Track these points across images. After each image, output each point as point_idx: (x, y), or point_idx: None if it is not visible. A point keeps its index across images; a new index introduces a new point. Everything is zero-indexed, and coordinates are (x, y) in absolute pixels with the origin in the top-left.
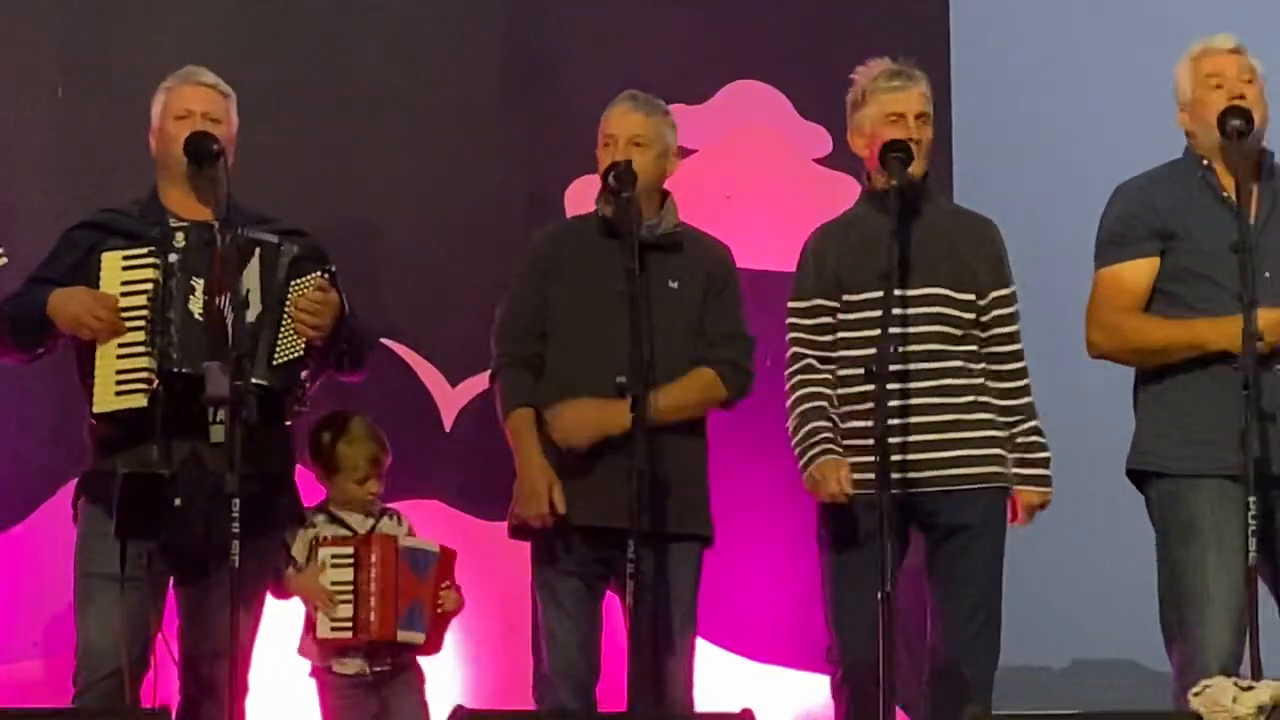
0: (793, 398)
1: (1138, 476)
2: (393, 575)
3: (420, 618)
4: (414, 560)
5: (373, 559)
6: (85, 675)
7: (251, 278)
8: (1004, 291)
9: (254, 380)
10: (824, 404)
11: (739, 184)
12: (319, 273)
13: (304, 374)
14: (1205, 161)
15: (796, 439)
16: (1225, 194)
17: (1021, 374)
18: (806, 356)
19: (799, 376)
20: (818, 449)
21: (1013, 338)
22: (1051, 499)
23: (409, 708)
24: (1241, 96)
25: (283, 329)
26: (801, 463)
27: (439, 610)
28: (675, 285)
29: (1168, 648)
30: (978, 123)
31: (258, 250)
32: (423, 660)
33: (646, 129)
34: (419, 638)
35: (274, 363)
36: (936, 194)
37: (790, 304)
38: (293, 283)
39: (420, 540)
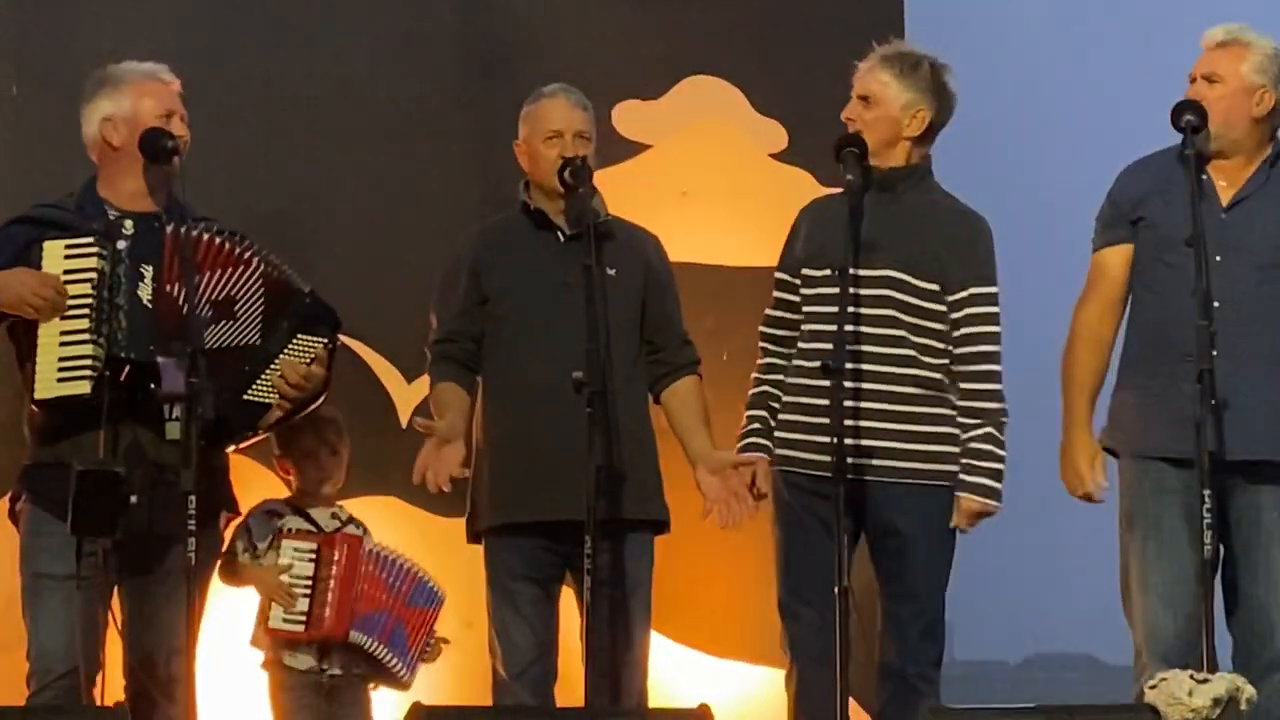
0: (752, 377)
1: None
2: (353, 576)
3: (404, 648)
4: (391, 572)
5: (335, 557)
6: (39, 677)
7: (247, 292)
8: (982, 290)
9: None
10: (768, 388)
11: (694, 180)
12: (325, 340)
13: (261, 419)
14: (1187, 151)
15: (743, 421)
16: (1204, 178)
17: (988, 377)
18: (767, 334)
19: (759, 361)
20: (748, 440)
21: (985, 338)
22: (996, 510)
23: (352, 717)
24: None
25: (265, 373)
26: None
27: (427, 651)
28: (613, 272)
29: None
30: None
31: (260, 269)
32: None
33: (588, 124)
34: (396, 664)
35: (242, 398)
36: (928, 181)
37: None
38: (299, 335)
39: (420, 569)
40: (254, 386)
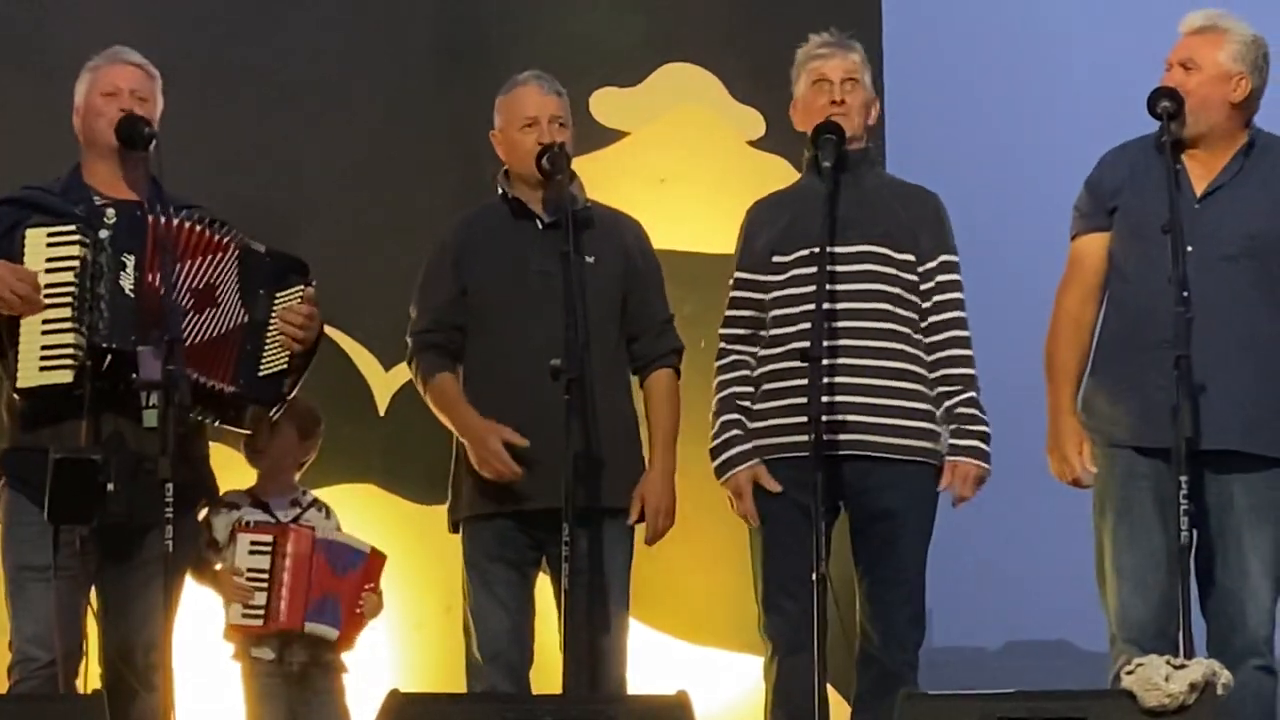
0: (715, 381)
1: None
2: (306, 567)
3: (334, 612)
4: (333, 554)
5: (288, 549)
6: (22, 666)
7: (224, 275)
8: (948, 258)
9: (230, 389)
10: (739, 388)
11: (673, 167)
12: (302, 286)
13: (285, 385)
14: (1164, 139)
15: (714, 427)
16: (1179, 167)
17: (963, 343)
18: (729, 334)
19: (719, 361)
20: (731, 451)
21: (957, 305)
22: (989, 474)
23: (325, 704)
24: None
25: (268, 340)
26: (715, 461)
27: (358, 611)
28: (591, 260)
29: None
30: (911, 105)
31: (236, 253)
32: (358, 645)
33: (563, 109)
34: (330, 633)
35: (260, 374)
36: (877, 164)
37: (731, 278)
38: (277, 294)
39: (349, 537)
40: (264, 360)
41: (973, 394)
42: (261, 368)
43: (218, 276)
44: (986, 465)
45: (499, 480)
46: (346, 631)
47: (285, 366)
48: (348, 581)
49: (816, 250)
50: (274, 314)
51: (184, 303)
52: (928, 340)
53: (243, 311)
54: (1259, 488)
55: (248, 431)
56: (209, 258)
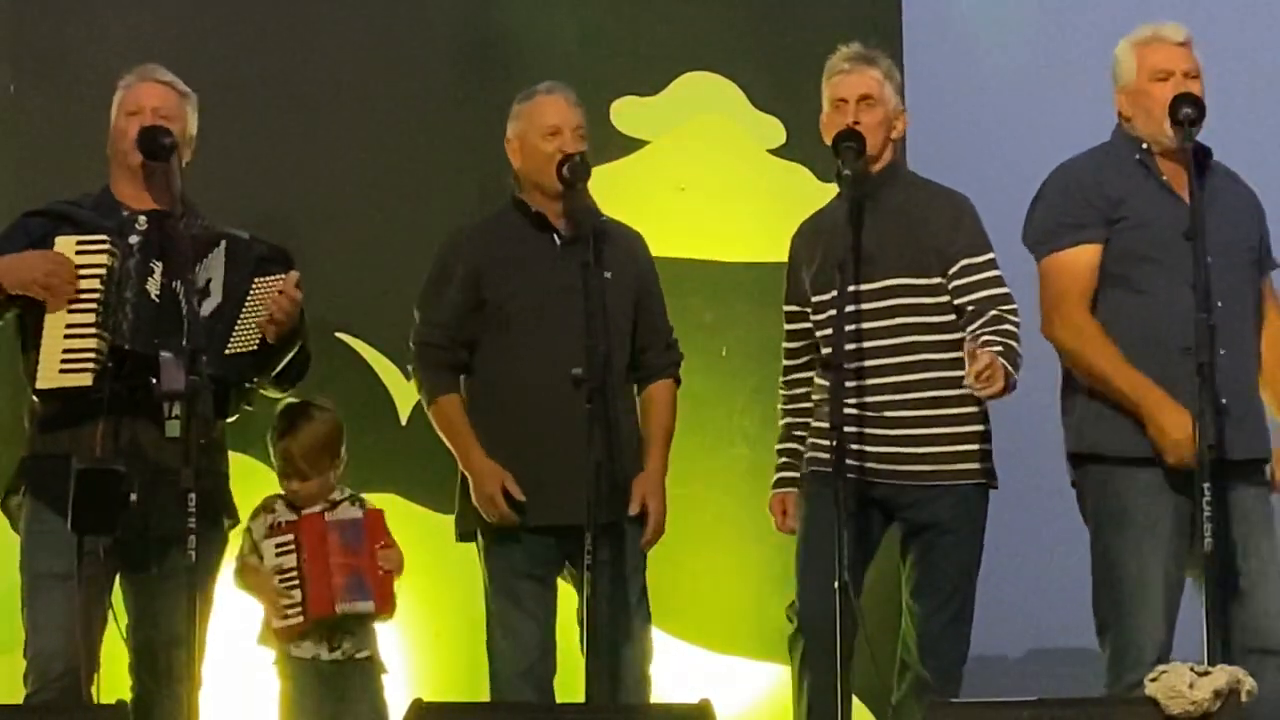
0: (779, 409)
1: (1075, 459)
2: (322, 552)
3: (363, 586)
4: (344, 533)
5: (303, 539)
6: (37, 675)
7: (215, 268)
8: (973, 260)
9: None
10: (791, 419)
11: (693, 175)
12: (283, 276)
13: (251, 366)
14: (1145, 146)
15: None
16: (1164, 178)
17: (1003, 318)
18: (785, 365)
19: (783, 393)
20: (776, 475)
21: (985, 283)
22: (1012, 379)
23: (366, 701)
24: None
25: (240, 322)
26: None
27: (381, 572)
28: (609, 275)
29: (1099, 635)
30: (932, 114)
31: (224, 242)
32: (381, 652)
33: (584, 122)
34: (366, 606)
35: (226, 353)
36: (903, 176)
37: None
38: (256, 280)
39: (345, 510)
40: (232, 339)
41: (999, 317)
42: (229, 347)
43: (213, 270)
44: (1003, 362)
45: (492, 521)
46: (379, 598)
47: (255, 348)
48: (363, 550)
49: (836, 292)
50: (250, 295)
51: (200, 307)
52: (969, 328)
53: (220, 296)
54: None
55: (231, 418)
56: (208, 257)
